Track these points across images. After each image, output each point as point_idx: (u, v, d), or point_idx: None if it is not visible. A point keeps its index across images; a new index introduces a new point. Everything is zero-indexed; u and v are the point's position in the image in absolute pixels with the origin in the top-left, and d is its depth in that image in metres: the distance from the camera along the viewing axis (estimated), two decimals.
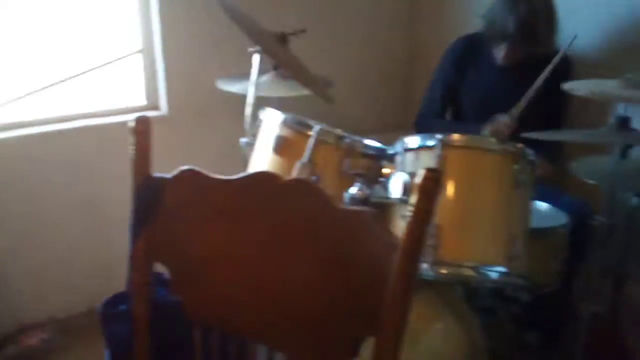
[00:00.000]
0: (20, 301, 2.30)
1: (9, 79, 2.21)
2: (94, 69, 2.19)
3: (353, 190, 1.47)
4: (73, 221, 2.34)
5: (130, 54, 2.33)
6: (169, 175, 1.06)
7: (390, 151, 1.58)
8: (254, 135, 1.71)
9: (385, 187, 1.51)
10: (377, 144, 1.61)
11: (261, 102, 1.90)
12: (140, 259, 1.08)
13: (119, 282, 2.39)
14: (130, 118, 1.08)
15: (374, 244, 0.90)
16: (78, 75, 2.17)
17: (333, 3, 2.73)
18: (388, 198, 1.47)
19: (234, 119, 2.00)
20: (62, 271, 2.36)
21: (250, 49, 1.96)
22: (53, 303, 2.35)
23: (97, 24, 2.31)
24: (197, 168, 1.06)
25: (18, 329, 2.26)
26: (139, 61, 2.38)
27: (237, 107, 1.98)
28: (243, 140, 1.77)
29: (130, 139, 1.07)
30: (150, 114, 2.39)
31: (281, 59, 1.99)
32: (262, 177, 1.01)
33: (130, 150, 1.07)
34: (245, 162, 1.73)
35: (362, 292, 0.89)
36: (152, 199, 1.07)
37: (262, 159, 1.64)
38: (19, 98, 2.20)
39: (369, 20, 2.87)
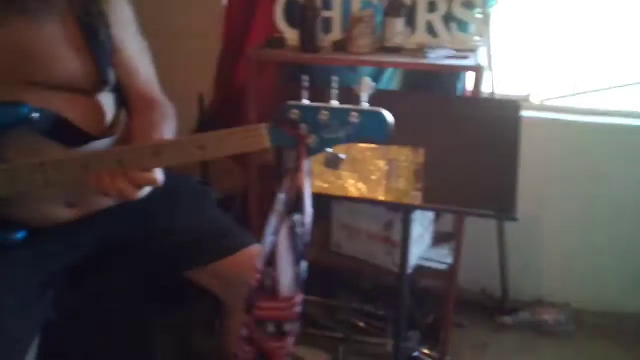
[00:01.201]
0: (544, 277, 2.47)
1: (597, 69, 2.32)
2: None
3: None
4: (621, 218, 2.31)
5: None
6: None
7: None
8: None
9: None
10: None
11: None
12: None
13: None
14: None
15: None
16: None
17: None
18: None
19: None
20: (592, 266, 2.40)
21: None
22: (574, 291, 2.43)
23: None
24: None
25: (536, 300, 2.45)
26: None
27: None
28: None
29: None
30: None
31: None
32: None
33: None
34: None
35: None
36: None
37: None
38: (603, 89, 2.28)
39: None
